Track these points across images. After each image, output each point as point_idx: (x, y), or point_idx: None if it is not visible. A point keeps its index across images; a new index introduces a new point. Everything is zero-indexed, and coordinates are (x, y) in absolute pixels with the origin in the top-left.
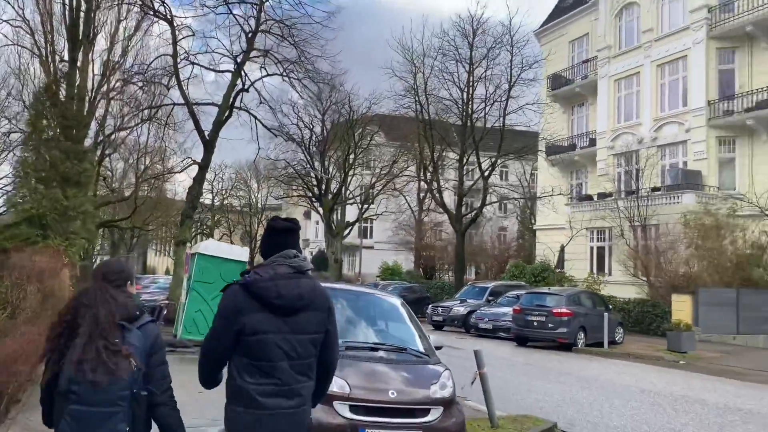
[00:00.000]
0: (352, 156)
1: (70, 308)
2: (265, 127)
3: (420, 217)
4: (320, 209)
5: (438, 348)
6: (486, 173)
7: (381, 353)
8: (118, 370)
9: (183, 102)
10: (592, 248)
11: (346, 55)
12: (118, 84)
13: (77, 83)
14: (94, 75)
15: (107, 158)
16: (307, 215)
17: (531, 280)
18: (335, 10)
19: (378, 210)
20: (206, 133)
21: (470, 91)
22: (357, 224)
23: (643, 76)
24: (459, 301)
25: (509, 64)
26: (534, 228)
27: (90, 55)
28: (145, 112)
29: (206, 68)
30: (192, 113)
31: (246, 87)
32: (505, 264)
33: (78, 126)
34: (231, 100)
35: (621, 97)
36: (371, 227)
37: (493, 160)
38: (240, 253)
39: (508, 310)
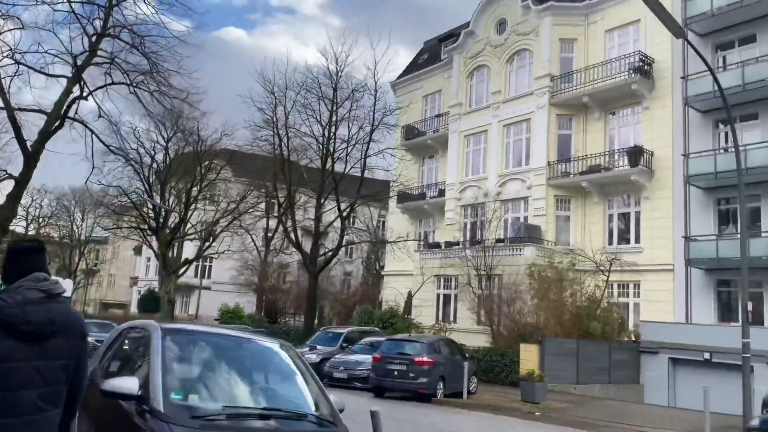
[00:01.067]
0: (195, 189)
1: None
2: (102, 142)
3: (266, 258)
4: (155, 244)
5: (341, 410)
6: (344, 214)
7: (274, 422)
8: None
9: (2, 106)
10: (439, 295)
11: (198, 84)
12: None
13: None
14: None
15: None
16: (138, 251)
17: (380, 325)
18: (196, 26)
19: (220, 248)
20: (29, 144)
21: (332, 130)
22: (195, 262)
23: (490, 134)
24: (309, 348)
25: (372, 108)
26: (383, 273)
27: None
28: None
29: (36, 70)
30: (12, 119)
31: (85, 95)
32: (352, 309)
33: None
34: (64, 108)
35: (470, 152)
36: (211, 266)
37: (351, 201)
38: (62, 286)
39: (364, 357)
